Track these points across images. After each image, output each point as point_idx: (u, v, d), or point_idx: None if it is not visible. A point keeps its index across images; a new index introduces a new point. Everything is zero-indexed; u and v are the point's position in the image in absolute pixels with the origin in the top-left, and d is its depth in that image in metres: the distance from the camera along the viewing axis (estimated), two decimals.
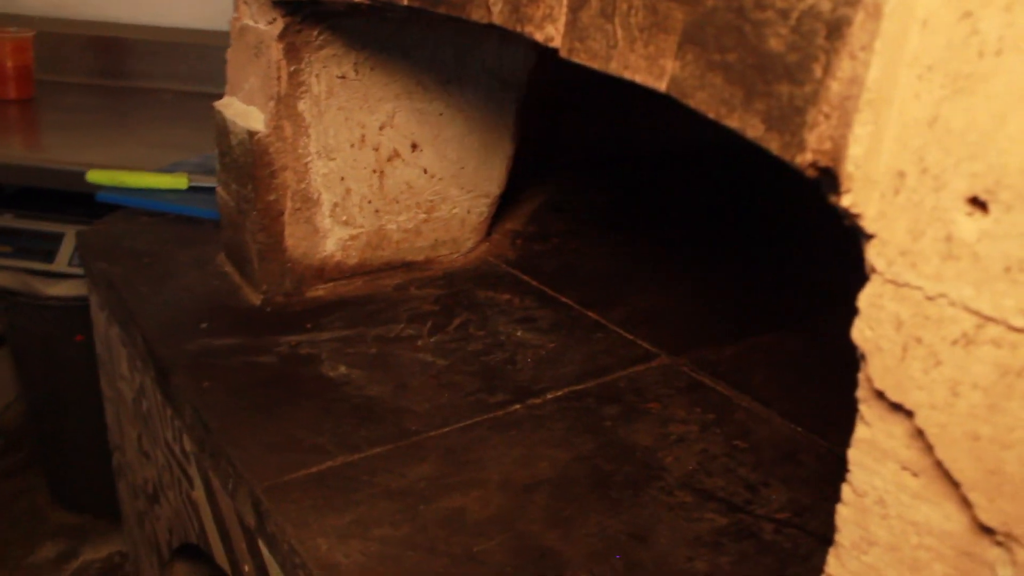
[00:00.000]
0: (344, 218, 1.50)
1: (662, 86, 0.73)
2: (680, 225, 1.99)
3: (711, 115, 0.69)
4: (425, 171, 1.57)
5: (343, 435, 1.17)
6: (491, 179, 1.68)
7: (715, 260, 1.83)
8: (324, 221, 1.48)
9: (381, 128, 1.48)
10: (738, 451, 1.21)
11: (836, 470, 1.19)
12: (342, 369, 1.32)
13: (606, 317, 1.55)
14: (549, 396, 1.30)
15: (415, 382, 1.30)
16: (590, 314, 1.55)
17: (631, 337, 1.49)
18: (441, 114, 1.54)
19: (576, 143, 2.24)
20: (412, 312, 1.50)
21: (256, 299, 1.48)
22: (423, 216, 1.61)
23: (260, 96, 1.38)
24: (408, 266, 1.64)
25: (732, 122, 0.67)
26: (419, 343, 1.41)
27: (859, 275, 0.57)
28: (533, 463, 1.14)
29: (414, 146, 1.54)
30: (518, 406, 1.27)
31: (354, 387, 1.27)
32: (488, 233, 1.77)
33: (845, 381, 1.40)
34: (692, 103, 0.70)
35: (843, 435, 1.24)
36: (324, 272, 1.52)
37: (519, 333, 1.47)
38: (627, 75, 0.74)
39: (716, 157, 2.29)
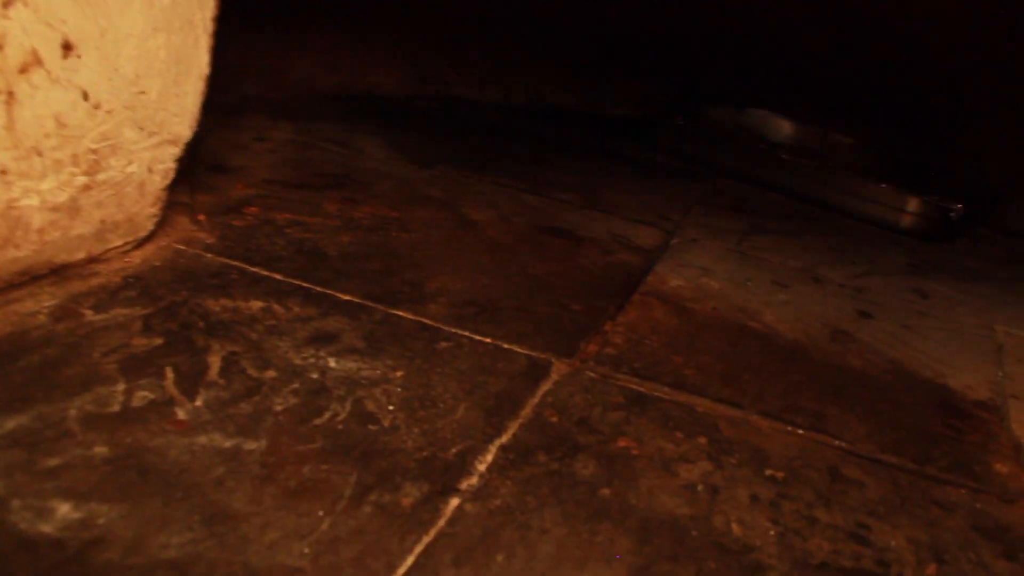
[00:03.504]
0: None
1: None
2: (388, 175, 1.46)
3: None
4: (86, 96, 0.84)
5: None
6: (182, 112, 0.99)
7: (459, 208, 1.35)
8: None
9: (6, 4, 0.74)
10: (784, 486, 0.80)
11: (896, 482, 0.84)
12: (63, 510, 0.60)
13: (427, 315, 0.99)
14: (481, 467, 0.74)
15: (236, 500, 0.64)
16: (402, 314, 0.98)
17: (489, 341, 0.96)
18: None
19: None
20: (122, 356, 0.79)
21: None
22: (83, 179, 0.87)
23: None
24: (60, 273, 0.89)
25: None
26: (180, 414, 0.73)
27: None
28: None
29: (67, 47, 0.81)
30: (456, 500, 0.69)
31: (123, 547, 0.57)
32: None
33: (746, 346, 0.97)
34: None
35: (844, 428, 0.84)
36: None
37: (332, 363, 0.85)
38: None
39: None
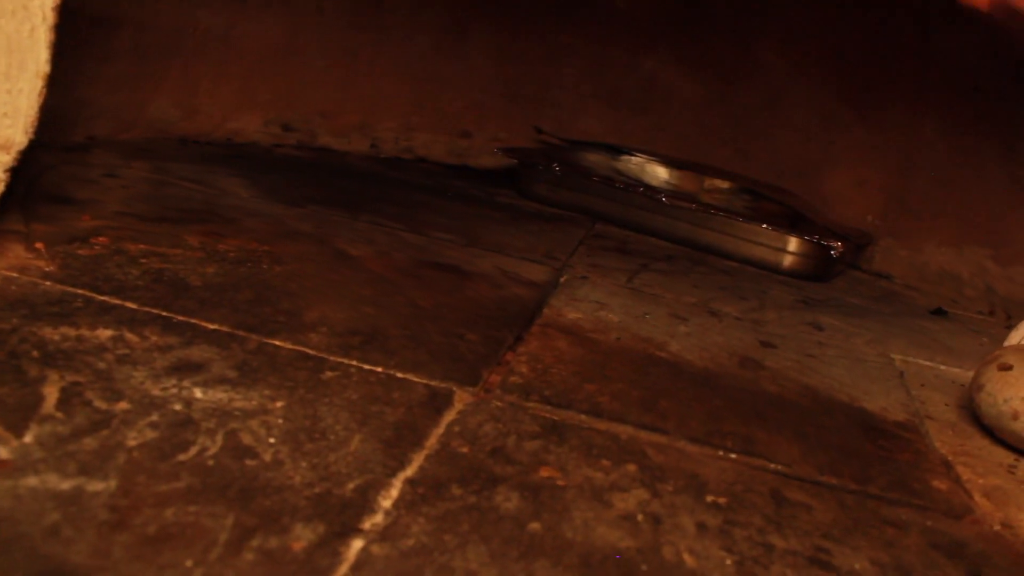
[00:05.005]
0: None
1: None
2: (254, 212, 1.33)
3: None
4: None
5: None
6: (14, 112, 0.85)
7: (335, 244, 1.23)
8: None
9: None
10: (729, 512, 0.71)
11: (843, 504, 0.77)
12: None
13: (308, 344, 0.87)
14: (386, 504, 0.61)
15: (76, 553, 0.50)
16: (279, 343, 0.86)
17: (381, 370, 0.84)
18: None
19: None
20: None
21: None
22: None
23: None
24: None
25: None
26: (3, 453, 0.58)
27: None
28: None
29: None
30: (360, 542, 0.56)
31: None
32: None
33: (657, 374, 0.93)
34: None
35: (776, 451, 0.80)
36: None
37: (198, 393, 0.71)
38: None
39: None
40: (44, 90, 0.87)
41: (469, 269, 1.27)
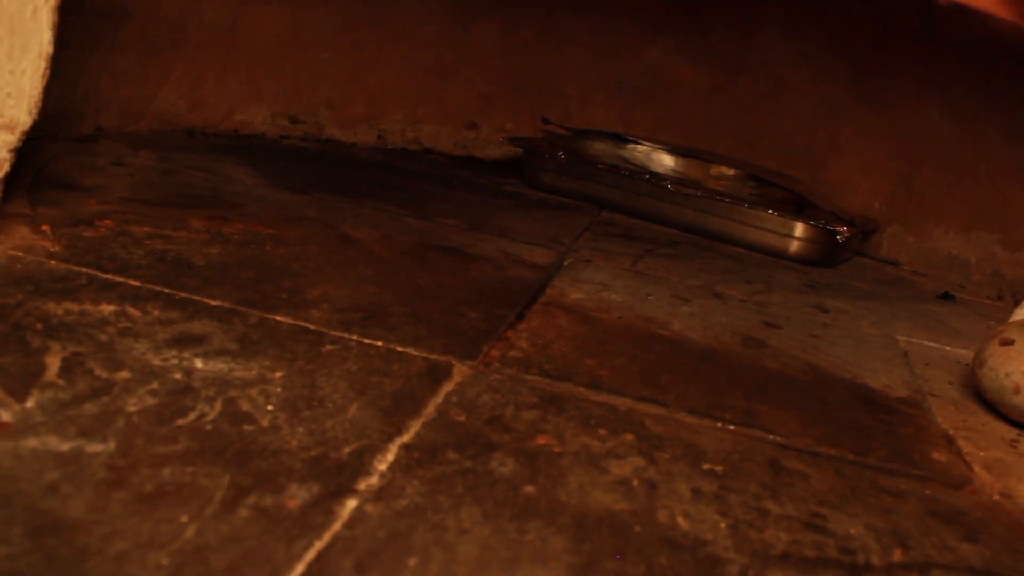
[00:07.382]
0: None
1: None
2: (259, 198, 1.34)
3: None
4: None
5: None
6: (18, 93, 0.86)
7: (339, 228, 1.24)
8: None
9: None
10: (725, 479, 0.71)
11: (841, 473, 0.77)
12: None
13: (309, 320, 0.88)
14: (381, 467, 0.62)
15: (74, 508, 0.51)
16: (280, 318, 0.86)
17: (381, 344, 0.85)
18: None
19: None
20: None
21: None
22: None
23: None
24: None
25: None
26: (4, 416, 0.59)
27: None
28: None
29: None
30: (354, 501, 0.57)
31: None
32: None
33: (659, 351, 0.90)
34: None
35: (776, 423, 0.80)
36: None
37: (199, 363, 0.72)
38: None
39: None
40: (47, 71, 0.88)
41: (473, 252, 1.27)
